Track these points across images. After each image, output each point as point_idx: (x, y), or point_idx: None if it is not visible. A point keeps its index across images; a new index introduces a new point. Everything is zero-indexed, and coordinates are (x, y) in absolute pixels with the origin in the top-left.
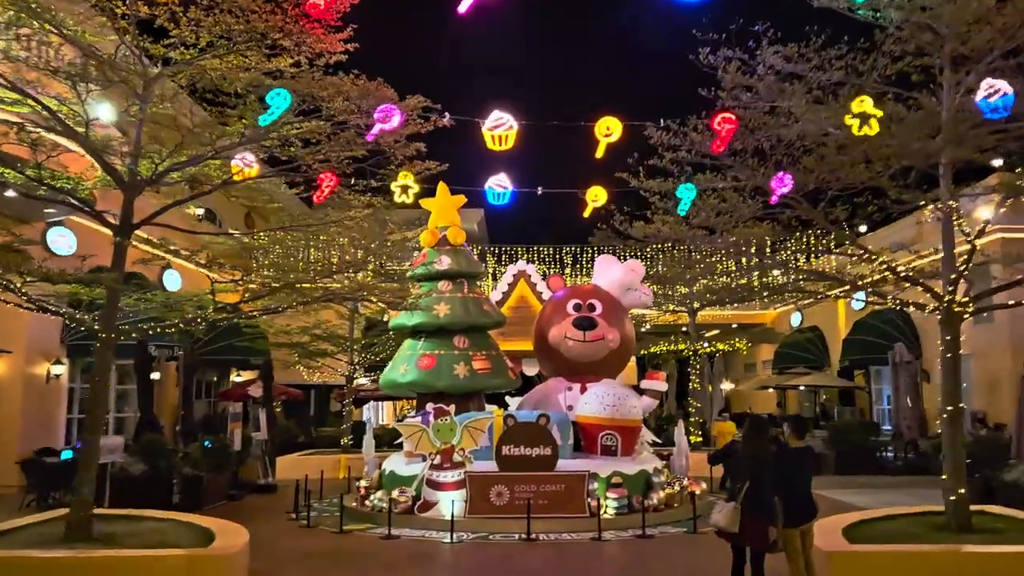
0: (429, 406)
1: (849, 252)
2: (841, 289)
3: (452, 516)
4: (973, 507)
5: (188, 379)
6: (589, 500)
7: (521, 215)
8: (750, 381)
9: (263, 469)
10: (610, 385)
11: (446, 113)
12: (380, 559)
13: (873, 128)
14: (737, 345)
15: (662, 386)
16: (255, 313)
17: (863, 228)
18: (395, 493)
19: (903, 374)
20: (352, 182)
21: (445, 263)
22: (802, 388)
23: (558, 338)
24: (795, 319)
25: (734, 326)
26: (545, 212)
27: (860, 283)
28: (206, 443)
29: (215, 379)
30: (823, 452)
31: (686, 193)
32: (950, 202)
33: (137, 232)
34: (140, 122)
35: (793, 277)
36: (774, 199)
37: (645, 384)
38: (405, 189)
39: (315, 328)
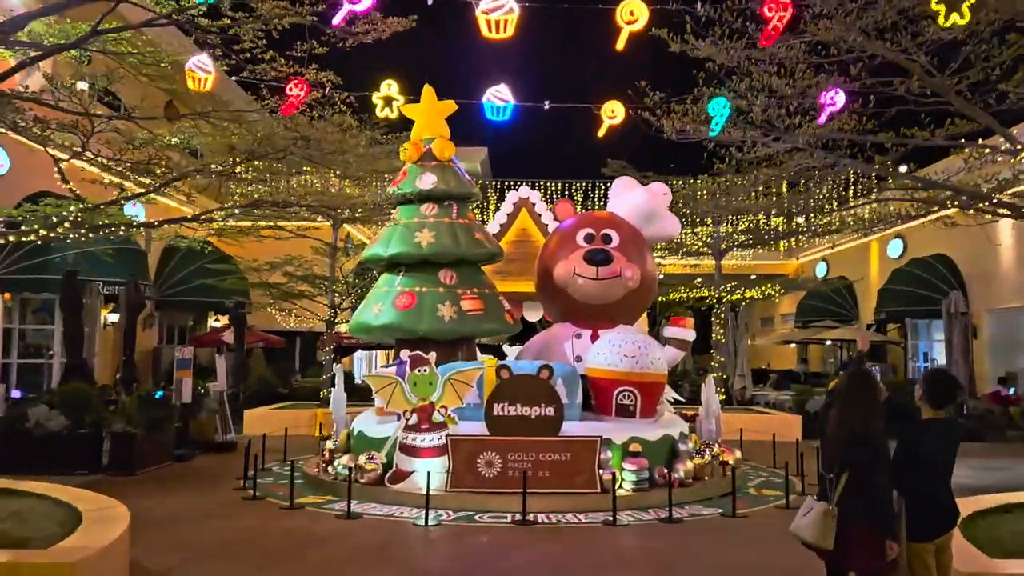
0: (404, 353)
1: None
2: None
3: (428, 490)
4: None
5: (131, 318)
6: (601, 472)
7: (528, 147)
8: (769, 335)
9: (222, 424)
10: (628, 332)
11: None
12: (323, 551)
13: (965, 16)
14: (770, 292)
15: (689, 334)
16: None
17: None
18: (362, 459)
19: (956, 327)
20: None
21: (429, 182)
22: (828, 343)
23: (565, 275)
24: (820, 269)
25: (752, 277)
26: (553, 135)
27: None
28: (158, 393)
29: (191, 324)
30: None
31: (718, 109)
32: None
33: None
34: None
35: (895, 193)
36: (822, 118)
37: (669, 332)
38: (388, 102)
39: (287, 264)
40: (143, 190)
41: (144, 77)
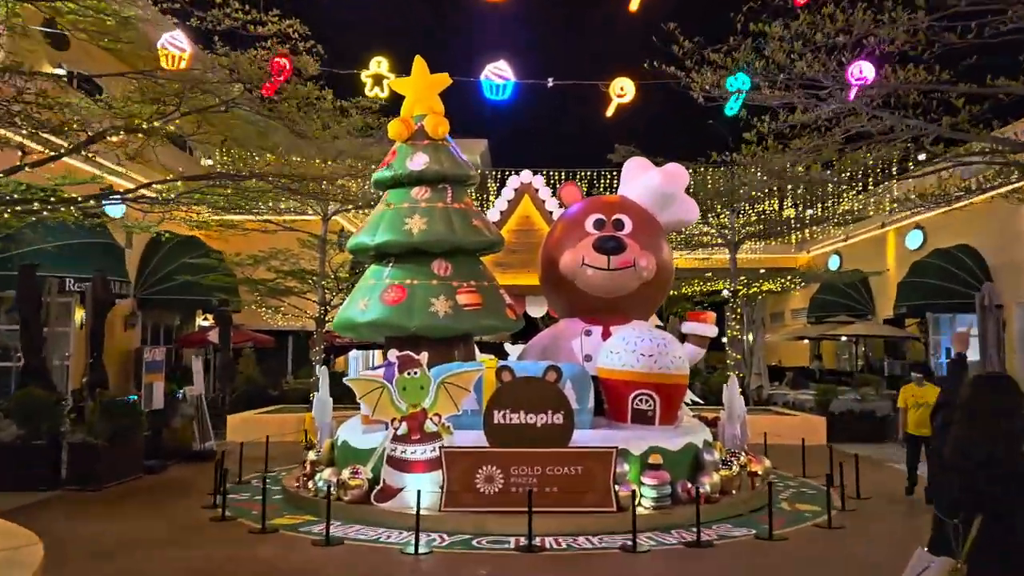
0: (392, 354)
1: None
2: None
3: (418, 510)
4: None
5: (98, 317)
6: (617, 488)
7: (529, 134)
8: (780, 331)
9: (200, 431)
10: (644, 328)
11: None
12: None
13: None
14: (788, 284)
15: (710, 330)
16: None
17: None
18: (345, 474)
19: (990, 320)
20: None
21: (420, 162)
22: (844, 338)
23: (573, 265)
24: (833, 262)
25: (761, 271)
26: (556, 119)
27: None
28: (131, 397)
29: (177, 323)
30: (888, 414)
31: (738, 85)
32: None
33: None
34: None
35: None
36: (852, 95)
37: (688, 327)
38: (379, 81)
39: (272, 258)
40: (53, 153)
41: (82, 35)
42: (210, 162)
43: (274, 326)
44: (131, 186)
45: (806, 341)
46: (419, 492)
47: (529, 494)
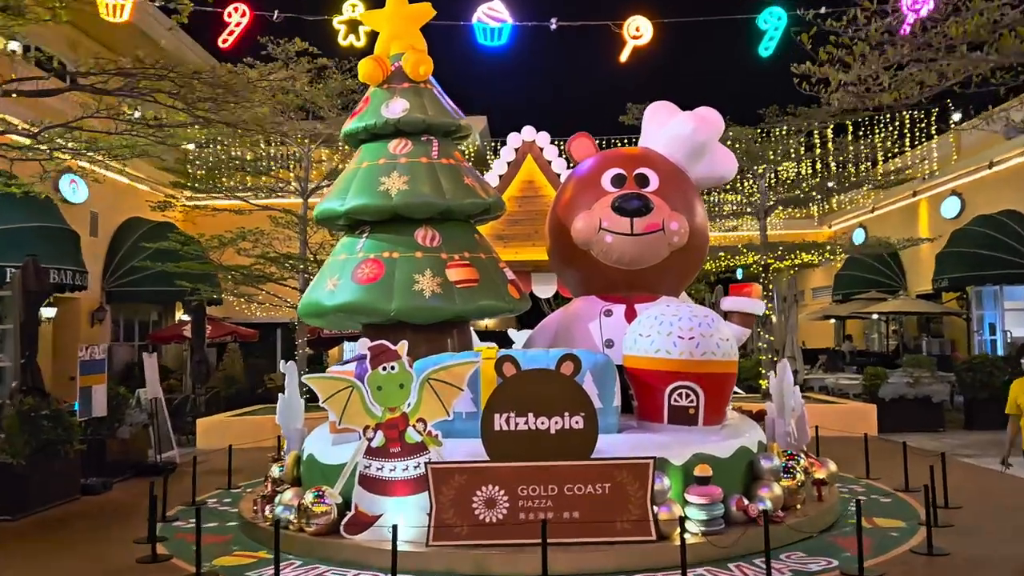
0: (361, 343)
1: None
2: None
3: (395, 546)
4: None
5: (30, 309)
6: (655, 509)
7: (531, 104)
8: (803, 311)
9: (157, 440)
10: (680, 306)
11: None
12: None
13: None
14: (828, 256)
15: (756, 306)
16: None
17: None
18: (308, 498)
19: None
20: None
21: (399, 108)
22: (875, 316)
23: (589, 231)
24: (858, 235)
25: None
26: (560, 82)
27: None
28: (75, 406)
29: (155, 318)
30: (944, 400)
31: (772, 22)
32: None
33: None
34: None
35: None
36: (906, 28)
37: (729, 304)
38: (354, 27)
39: (241, 239)
40: None
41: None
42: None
43: (259, 318)
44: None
45: (832, 321)
46: (395, 524)
47: (543, 523)
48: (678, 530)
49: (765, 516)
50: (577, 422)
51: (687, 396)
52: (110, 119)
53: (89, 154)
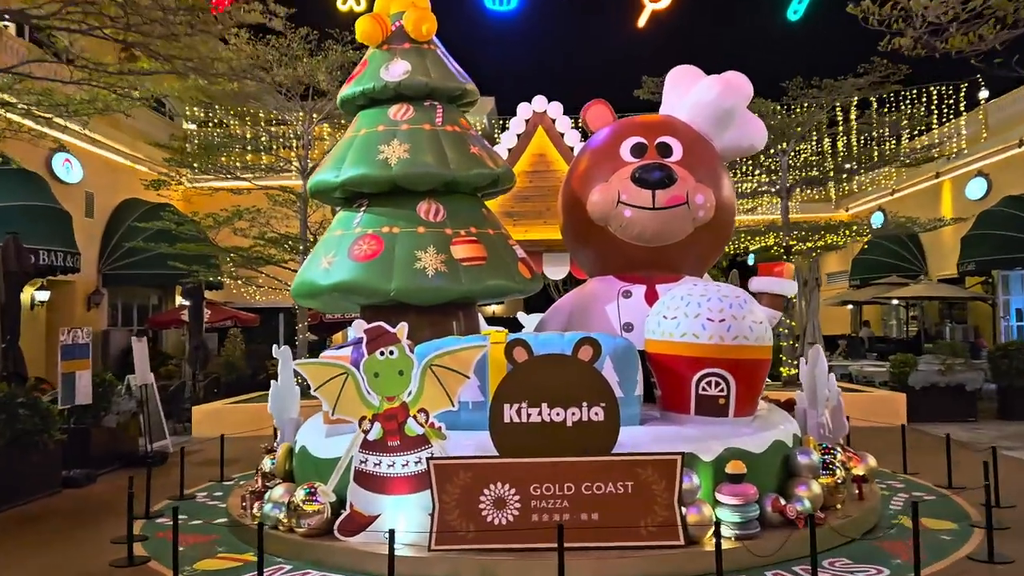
0: (355, 325)
1: None
2: None
3: (391, 550)
4: None
5: (11, 290)
6: (683, 511)
7: (544, 82)
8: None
9: (148, 430)
10: (708, 285)
11: None
12: None
13: None
14: (855, 236)
15: (788, 286)
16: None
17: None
18: (299, 495)
19: None
20: None
21: (400, 70)
22: (894, 302)
23: (606, 205)
24: (876, 219)
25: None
26: (570, 51)
27: None
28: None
29: (155, 302)
30: (977, 389)
31: None
32: None
33: None
34: None
35: None
36: None
37: (759, 284)
38: None
39: (237, 217)
40: None
41: None
42: (193, 127)
43: (262, 303)
44: None
45: (850, 306)
46: (390, 529)
47: (560, 528)
48: (709, 534)
49: (810, 519)
50: (596, 413)
51: (717, 385)
52: (59, 63)
53: (45, 114)
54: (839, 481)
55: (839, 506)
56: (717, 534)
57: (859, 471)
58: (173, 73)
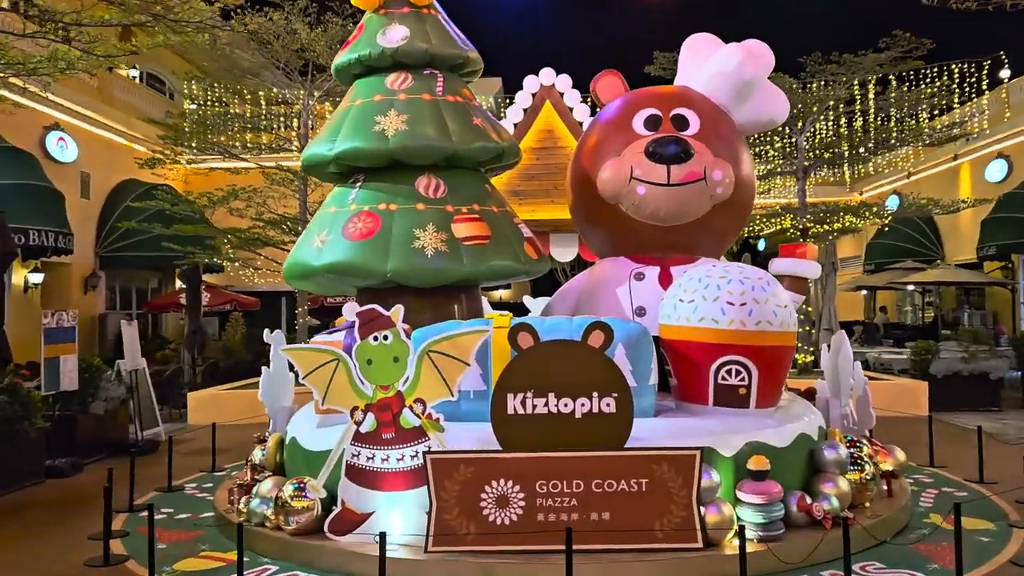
0: (347, 308)
1: None
2: None
3: (383, 555)
4: None
5: None
6: (703, 510)
7: (549, 57)
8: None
9: (139, 417)
10: (728, 266)
11: None
12: None
13: None
14: (876, 220)
15: (811, 268)
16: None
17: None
18: (287, 491)
19: None
20: None
21: (398, 36)
22: (911, 288)
23: (618, 182)
24: (892, 202)
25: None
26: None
27: None
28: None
29: (154, 285)
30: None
31: None
32: None
33: None
34: None
35: None
36: None
37: (781, 266)
38: None
39: (232, 197)
40: None
41: None
42: (193, 106)
43: (263, 286)
44: None
45: (864, 292)
46: (383, 532)
47: (568, 529)
48: (730, 535)
49: (843, 521)
50: (608, 404)
51: (737, 373)
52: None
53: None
54: (867, 477)
55: (867, 504)
56: (739, 536)
57: (887, 466)
58: (135, 25)
